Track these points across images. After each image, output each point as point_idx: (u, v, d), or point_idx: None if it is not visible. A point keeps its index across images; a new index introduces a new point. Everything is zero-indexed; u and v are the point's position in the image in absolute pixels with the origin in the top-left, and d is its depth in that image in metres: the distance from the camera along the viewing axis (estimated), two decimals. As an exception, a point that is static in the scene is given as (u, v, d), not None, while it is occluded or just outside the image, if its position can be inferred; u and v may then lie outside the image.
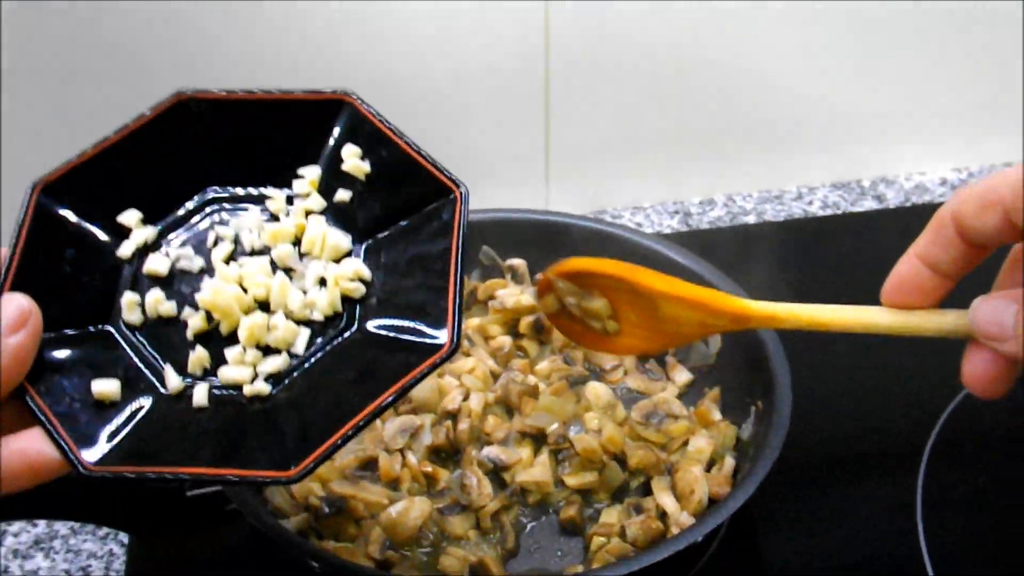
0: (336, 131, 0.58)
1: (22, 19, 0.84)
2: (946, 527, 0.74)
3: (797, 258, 1.01)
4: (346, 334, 0.54)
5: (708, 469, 0.72)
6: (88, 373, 0.51)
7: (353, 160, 0.57)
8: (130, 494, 0.70)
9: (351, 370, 0.52)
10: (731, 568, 0.72)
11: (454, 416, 0.75)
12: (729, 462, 0.72)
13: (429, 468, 0.73)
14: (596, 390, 0.78)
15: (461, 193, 0.54)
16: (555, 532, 0.72)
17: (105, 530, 0.76)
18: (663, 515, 0.70)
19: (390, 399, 0.49)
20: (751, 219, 1.07)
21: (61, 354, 0.51)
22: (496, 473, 0.72)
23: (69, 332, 0.51)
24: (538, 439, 0.74)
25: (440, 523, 0.70)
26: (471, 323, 0.83)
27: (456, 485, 0.72)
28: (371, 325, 0.54)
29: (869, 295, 0.92)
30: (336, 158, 0.58)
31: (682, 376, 0.81)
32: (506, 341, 0.82)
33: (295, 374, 0.52)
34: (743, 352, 0.76)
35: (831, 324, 0.51)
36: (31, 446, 0.46)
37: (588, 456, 0.72)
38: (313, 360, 0.53)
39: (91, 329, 0.53)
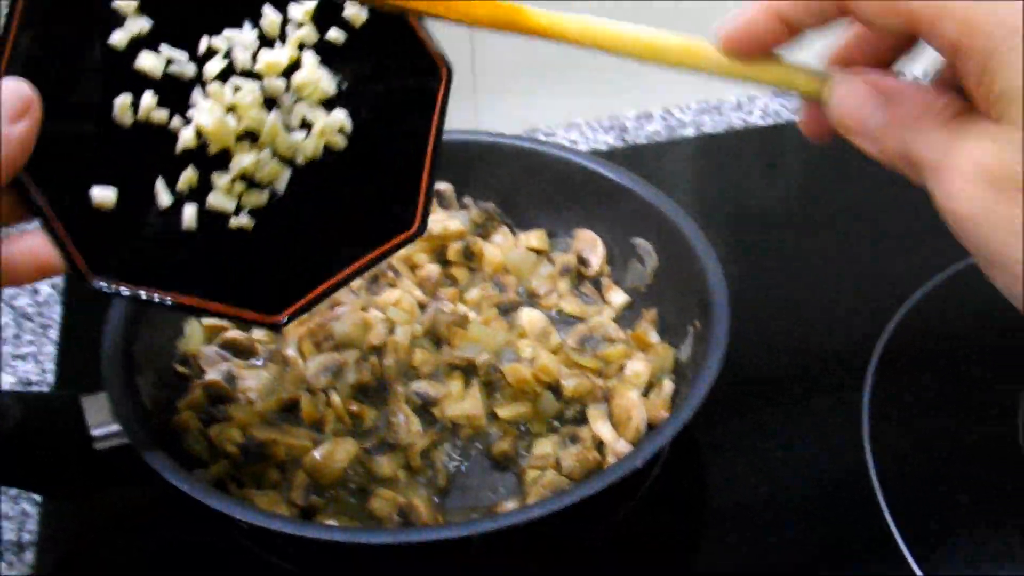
0: None
1: None
2: (893, 441, 0.72)
3: (739, 170, 0.98)
4: (323, 184, 0.56)
5: (646, 394, 0.69)
6: (85, 175, 0.51)
7: (354, 5, 0.55)
8: (38, 452, 0.66)
9: (327, 223, 0.57)
10: (674, 495, 0.70)
11: (379, 351, 0.71)
12: (668, 385, 0.69)
13: (354, 407, 0.69)
14: (529, 316, 0.74)
15: (447, 72, 0.56)
16: (488, 468, 0.68)
17: (17, 491, 0.72)
18: (600, 444, 0.67)
19: (366, 266, 0.56)
20: (689, 132, 1.03)
21: (57, 150, 0.50)
22: (425, 409, 0.69)
23: (63, 128, 0.50)
24: (468, 371, 0.71)
25: (367, 464, 0.67)
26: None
27: (383, 424, 0.68)
28: (347, 181, 0.57)
29: (817, 205, 0.89)
30: None
31: (618, 298, 0.78)
32: (434, 270, 0.78)
33: (275, 215, 0.55)
34: (680, 271, 0.72)
35: (647, 51, 0.44)
36: (42, 246, 0.49)
37: (520, 387, 0.68)
38: (291, 203, 0.55)
39: (85, 128, 0.52)
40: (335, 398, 0.69)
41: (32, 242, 0.49)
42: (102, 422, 0.63)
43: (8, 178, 0.47)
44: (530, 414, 0.69)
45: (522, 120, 1.02)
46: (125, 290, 0.52)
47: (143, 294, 0.52)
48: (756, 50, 0.41)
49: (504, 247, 0.80)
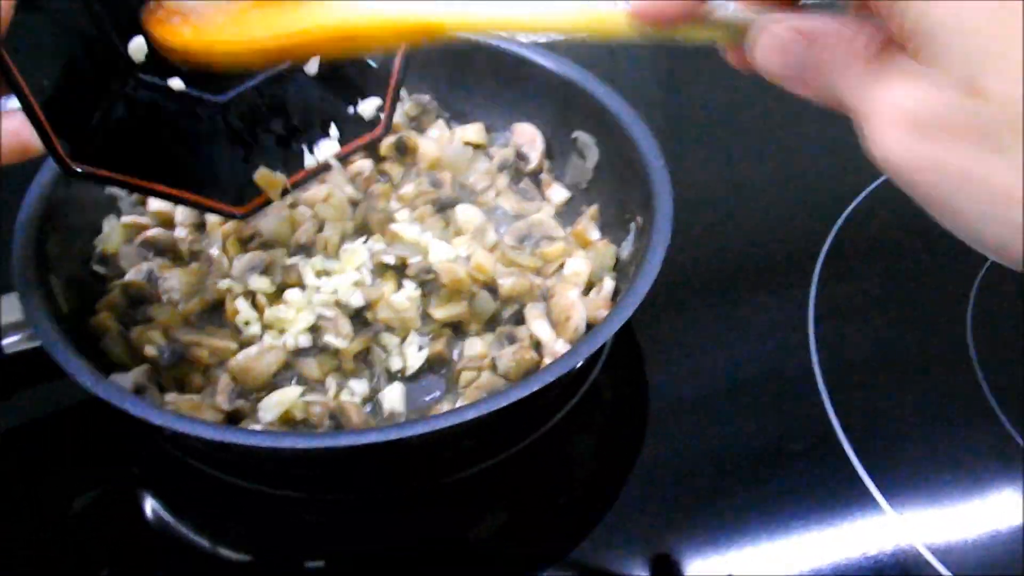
0: None
1: None
2: (838, 340, 0.71)
3: (688, 69, 0.95)
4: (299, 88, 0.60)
5: (586, 293, 0.67)
6: (63, 48, 0.53)
7: None
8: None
9: (294, 111, 0.60)
10: (614, 396, 0.68)
11: (307, 250, 0.68)
12: (608, 284, 0.67)
13: (282, 310, 0.66)
14: (465, 213, 0.71)
15: None
16: (422, 369, 0.66)
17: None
18: (538, 345, 0.65)
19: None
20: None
21: (34, 20, 0.50)
22: (356, 311, 0.66)
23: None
24: (401, 271, 0.68)
25: (297, 367, 0.64)
26: None
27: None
28: (314, 70, 0.60)
29: (767, 106, 0.85)
30: None
31: (559, 194, 0.75)
32: (366, 165, 0.75)
33: (246, 97, 0.58)
34: (622, 165, 0.70)
35: (564, 28, 0.41)
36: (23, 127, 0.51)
37: (455, 287, 0.66)
38: (260, 87, 0.58)
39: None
40: (261, 299, 0.66)
41: (13, 124, 0.52)
42: (13, 323, 0.60)
43: None
44: (465, 315, 0.66)
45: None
46: (103, 174, 0.56)
47: (119, 181, 0.57)
48: (669, 24, 0.38)
49: (440, 141, 0.77)
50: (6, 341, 0.60)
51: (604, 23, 0.40)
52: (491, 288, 0.67)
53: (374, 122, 0.63)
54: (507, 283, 0.66)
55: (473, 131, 0.78)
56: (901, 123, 0.32)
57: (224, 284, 0.66)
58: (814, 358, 0.70)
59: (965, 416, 0.67)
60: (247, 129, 0.61)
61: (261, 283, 0.66)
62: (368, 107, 0.64)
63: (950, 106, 0.31)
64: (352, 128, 0.63)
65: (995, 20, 0.30)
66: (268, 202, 0.62)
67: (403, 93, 0.77)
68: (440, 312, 0.66)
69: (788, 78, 0.36)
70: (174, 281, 0.67)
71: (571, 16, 0.41)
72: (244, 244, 0.68)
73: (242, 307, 0.65)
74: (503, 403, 0.55)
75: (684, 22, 0.38)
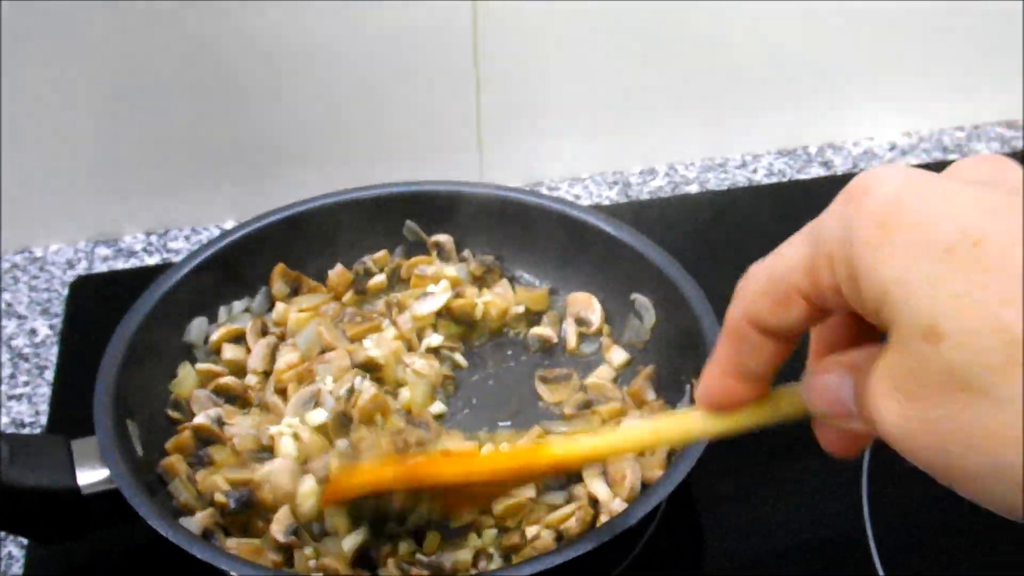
0: None
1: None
2: (891, 505, 0.71)
3: (741, 228, 0.98)
4: None
5: (642, 453, 0.69)
6: None
7: None
8: (25, 495, 0.65)
9: None
10: (671, 551, 0.69)
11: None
12: (663, 444, 0.68)
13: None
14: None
15: None
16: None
17: (2, 533, 0.71)
18: (595, 502, 0.66)
19: None
20: (693, 188, 1.03)
21: None
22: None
23: None
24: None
25: None
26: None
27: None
28: None
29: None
30: None
31: (618, 356, 0.77)
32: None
33: None
34: (678, 327, 0.72)
35: (655, 444, 0.50)
36: None
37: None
38: None
39: None
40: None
41: None
42: (91, 467, 0.63)
43: None
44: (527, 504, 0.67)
45: (527, 173, 1.03)
46: None
47: None
48: (736, 405, 0.41)
49: (505, 298, 0.80)
50: (84, 483, 0.63)
51: (684, 428, 0.44)
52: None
53: None
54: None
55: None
56: (888, 393, 0.31)
57: (274, 430, 0.69)
58: (867, 523, 0.70)
59: (1020, 578, 0.66)
60: None
61: (318, 415, 0.69)
62: None
63: (920, 358, 0.30)
64: None
65: (939, 266, 0.29)
66: None
67: (467, 253, 0.82)
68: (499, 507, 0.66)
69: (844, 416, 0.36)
70: (238, 427, 0.70)
71: (659, 433, 0.47)
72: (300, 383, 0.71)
73: (285, 444, 0.68)
74: (559, 560, 0.56)
75: (750, 401, 0.41)
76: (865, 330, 0.38)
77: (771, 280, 0.36)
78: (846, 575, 0.67)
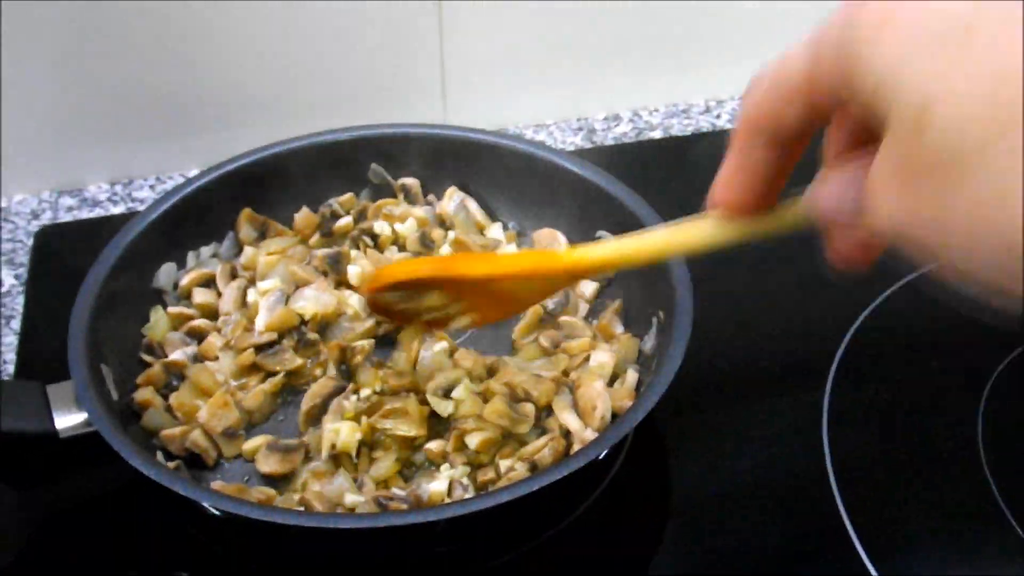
0: None
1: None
2: (851, 443, 0.72)
3: (706, 172, 0.98)
4: None
5: (611, 384, 0.70)
6: None
7: None
8: (2, 442, 0.65)
9: None
10: (637, 485, 0.70)
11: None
12: (632, 375, 0.70)
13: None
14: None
15: None
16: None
17: (-24, 479, 0.71)
18: (567, 434, 0.67)
19: None
20: (657, 134, 1.04)
21: None
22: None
23: None
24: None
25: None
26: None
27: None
28: None
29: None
30: None
31: (588, 287, 0.78)
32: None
33: None
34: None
35: (668, 251, 0.50)
36: None
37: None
38: None
39: None
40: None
41: None
42: (67, 411, 0.63)
43: None
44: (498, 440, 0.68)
45: (490, 119, 1.03)
46: None
47: None
48: (749, 210, 0.43)
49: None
50: (61, 427, 0.63)
51: (695, 235, 0.47)
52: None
53: None
54: (536, 394, 0.69)
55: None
56: (886, 182, 0.33)
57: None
58: (828, 460, 0.71)
59: (975, 519, 0.68)
60: None
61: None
62: None
63: (913, 142, 0.31)
64: None
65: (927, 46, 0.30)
66: None
67: (432, 197, 0.82)
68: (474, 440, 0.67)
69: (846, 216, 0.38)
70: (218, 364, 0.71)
71: (672, 240, 0.49)
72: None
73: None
74: (534, 487, 0.57)
75: (759, 209, 0.43)
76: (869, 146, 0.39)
77: (773, 81, 0.38)
78: (808, 511, 0.69)
